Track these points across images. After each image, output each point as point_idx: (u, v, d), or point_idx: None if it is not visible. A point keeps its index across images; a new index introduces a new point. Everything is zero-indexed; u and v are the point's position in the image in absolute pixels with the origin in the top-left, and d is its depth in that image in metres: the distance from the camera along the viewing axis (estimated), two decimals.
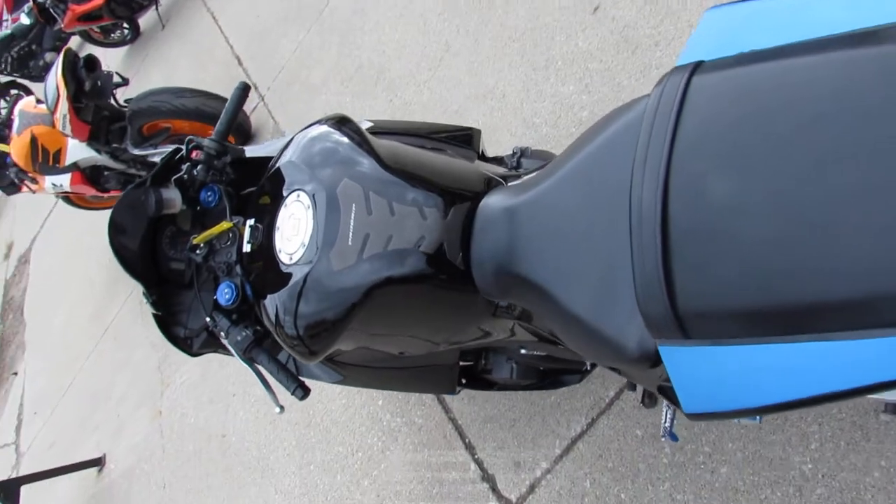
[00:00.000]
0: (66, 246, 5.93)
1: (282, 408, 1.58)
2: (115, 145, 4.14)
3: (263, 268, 1.38)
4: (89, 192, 4.56)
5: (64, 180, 4.39)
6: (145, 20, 6.83)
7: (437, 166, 1.31)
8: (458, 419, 2.26)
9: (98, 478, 4.04)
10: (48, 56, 7.77)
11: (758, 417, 1.17)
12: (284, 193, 1.34)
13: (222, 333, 1.48)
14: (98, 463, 4.05)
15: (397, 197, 1.19)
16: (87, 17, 6.53)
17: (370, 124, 1.69)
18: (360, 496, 2.44)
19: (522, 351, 1.54)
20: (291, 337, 1.28)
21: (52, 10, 6.58)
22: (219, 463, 3.17)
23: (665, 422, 1.37)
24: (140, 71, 6.66)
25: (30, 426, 5.24)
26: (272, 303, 1.30)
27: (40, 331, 5.98)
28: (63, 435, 4.68)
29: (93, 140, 4.03)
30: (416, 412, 2.39)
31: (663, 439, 1.38)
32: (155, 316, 1.67)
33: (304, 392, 1.48)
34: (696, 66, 0.90)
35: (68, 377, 4.95)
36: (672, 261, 0.81)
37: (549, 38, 2.67)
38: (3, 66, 7.64)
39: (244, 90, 1.69)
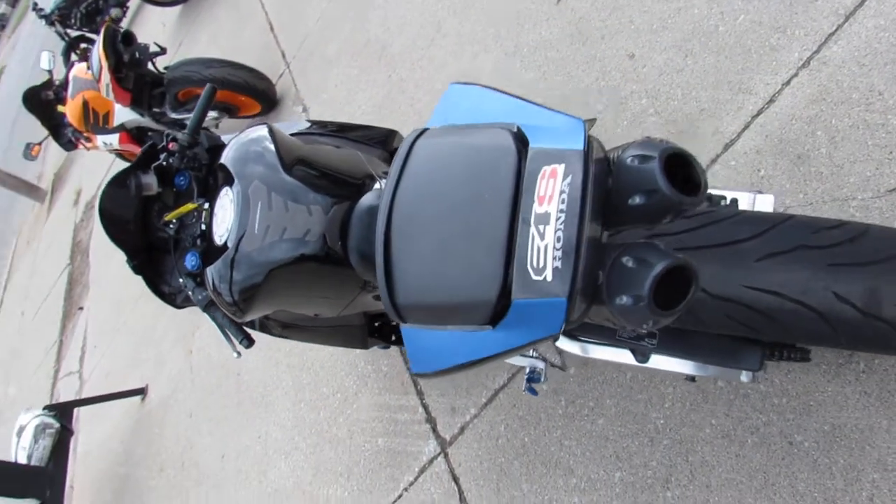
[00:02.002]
0: None
1: (239, 354, 1.94)
2: (155, 109, 4.56)
3: (210, 243, 1.73)
4: (136, 149, 5.03)
5: (113, 139, 4.87)
6: None
7: (331, 169, 1.60)
8: None
9: (141, 405, 4.60)
10: (113, 11, 8.28)
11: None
12: (219, 186, 1.67)
13: (189, 292, 1.84)
14: (142, 392, 4.61)
15: (292, 197, 1.49)
16: None
17: (308, 124, 1.99)
18: (336, 431, 2.83)
19: None
20: (224, 300, 1.63)
21: None
22: (233, 397, 3.63)
23: (527, 381, 1.68)
24: (190, 32, 7.08)
25: (91, 357, 5.90)
26: (210, 272, 1.64)
27: (102, 271, 6.60)
28: (117, 366, 5.27)
29: (135, 105, 4.46)
30: (384, 361, 2.75)
31: (525, 393, 1.68)
32: (143, 277, 2.05)
33: (249, 342, 1.84)
34: (422, 132, 1.17)
35: (122, 316, 5.54)
36: (392, 269, 1.10)
37: (519, 26, 2.88)
38: (73, 21, 8.19)
39: (212, 92, 2.01)
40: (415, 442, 2.46)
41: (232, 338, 1.83)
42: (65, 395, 5.97)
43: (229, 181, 1.63)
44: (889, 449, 1.41)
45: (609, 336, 1.39)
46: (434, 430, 2.41)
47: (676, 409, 1.78)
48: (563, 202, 0.89)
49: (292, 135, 1.92)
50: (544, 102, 2.50)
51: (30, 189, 10.33)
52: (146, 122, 4.69)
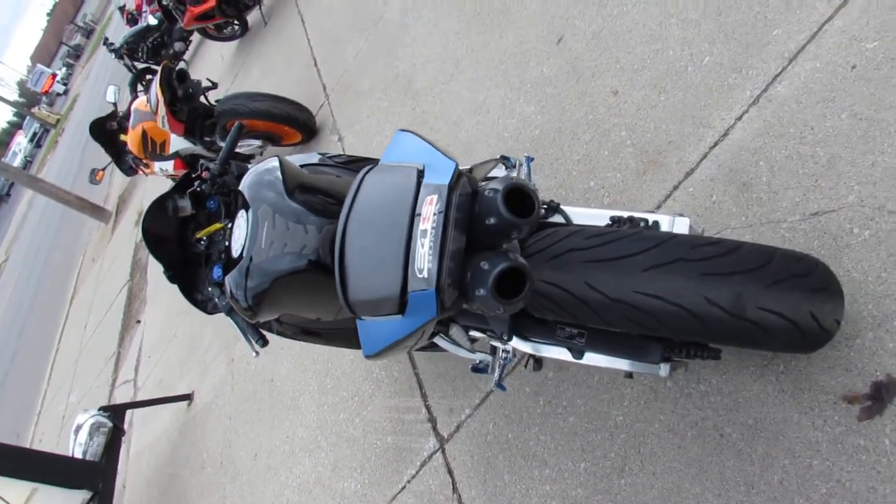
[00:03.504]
0: None
1: (257, 353, 2.25)
2: (206, 138, 5.00)
3: (229, 257, 2.04)
4: None
5: (168, 165, 5.34)
6: (252, 17, 7.76)
7: (327, 195, 1.90)
8: (420, 374, 2.88)
9: (188, 409, 4.98)
10: (177, 45, 8.94)
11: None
12: (238, 208, 1.99)
13: (216, 299, 2.17)
14: (188, 398, 4.99)
15: (292, 218, 1.79)
16: (203, 17, 7.51)
17: (318, 157, 2.31)
18: (353, 430, 3.12)
19: None
20: (238, 304, 1.93)
21: (173, 12, 7.62)
22: (267, 401, 3.96)
23: (496, 378, 1.93)
24: (245, 64, 7.59)
25: (145, 366, 6.35)
26: (228, 280, 1.95)
27: (159, 288, 7.10)
28: (167, 374, 5.69)
29: (189, 134, 4.91)
30: (395, 367, 3.03)
31: (495, 389, 1.94)
32: (179, 286, 2.39)
33: (264, 342, 2.16)
34: (371, 168, 1.46)
35: (174, 328, 5.98)
36: (344, 275, 1.38)
37: (525, 63, 3.17)
38: (140, 54, 8.88)
39: (239, 129, 2.35)
40: (418, 439, 2.72)
41: (250, 338, 2.15)
42: (121, 401, 6.43)
43: (245, 204, 1.94)
44: (797, 438, 1.61)
45: (551, 336, 1.64)
46: (434, 428, 2.67)
47: (633, 407, 2.00)
48: (434, 222, 1.18)
49: (302, 166, 2.24)
50: (540, 135, 2.77)
51: (96, 210, 11.05)
52: (198, 149, 5.15)
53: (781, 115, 1.99)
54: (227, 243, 2.13)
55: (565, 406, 2.20)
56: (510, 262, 1.15)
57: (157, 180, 7.64)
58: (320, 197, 1.90)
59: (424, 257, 1.20)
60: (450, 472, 2.51)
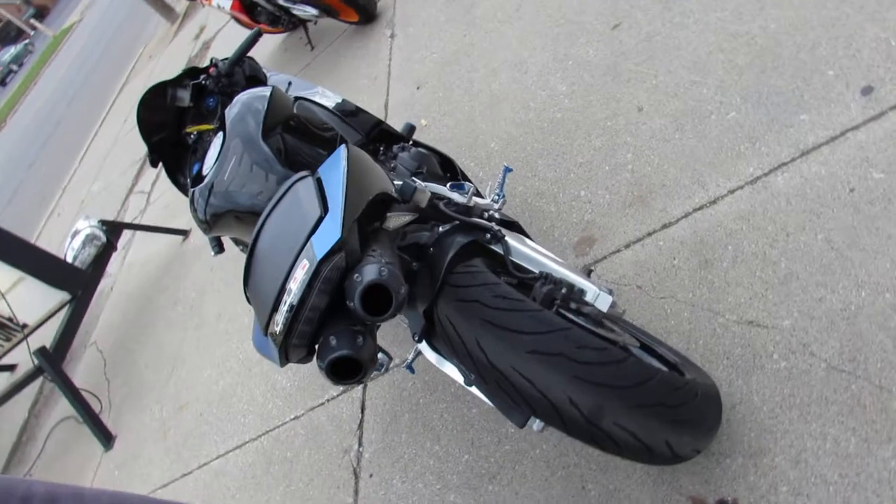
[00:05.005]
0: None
1: (214, 254, 2.36)
2: None
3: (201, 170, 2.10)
4: (244, 18, 5.44)
5: (226, 3, 5.29)
6: None
7: (301, 146, 1.93)
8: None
9: (181, 245, 5.21)
10: None
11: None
12: (220, 127, 2.03)
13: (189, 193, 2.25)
14: (184, 234, 5.21)
15: (258, 162, 1.83)
16: None
17: (339, 100, 2.31)
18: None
19: None
20: (197, 216, 2.01)
21: None
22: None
23: (408, 361, 2.02)
24: None
25: (161, 184, 6.57)
26: (193, 191, 2.03)
27: None
28: (176, 202, 5.89)
29: None
30: None
31: (404, 369, 2.03)
32: (164, 166, 2.48)
33: (220, 250, 2.28)
34: (304, 176, 1.46)
35: None
36: (250, 264, 1.44)
37: (576, 36, 3.04)
38: None
39: (256, 35, 2.34)
40: None
41: (210, 241, 2.27)
42: (132, 209, 6.72)
43: (224, 128, 1.98)
44: None
45: (450, 355, 1.71)
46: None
47: (550, 435, 2.09)
48: (297, 288, 1.22)
49: (297, 98, 2.25)
50: (560, 119, 2.70)
51: (165, 8, 11.00)
52: None
53: (767, 208, 1.93)
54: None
55: (474, 397, 2.30)
56: (349, 350, 1.20)
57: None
58: (294, 144, 1.93)
59: (281, 314, 1.25)
60: (363, 408, 2.67)
